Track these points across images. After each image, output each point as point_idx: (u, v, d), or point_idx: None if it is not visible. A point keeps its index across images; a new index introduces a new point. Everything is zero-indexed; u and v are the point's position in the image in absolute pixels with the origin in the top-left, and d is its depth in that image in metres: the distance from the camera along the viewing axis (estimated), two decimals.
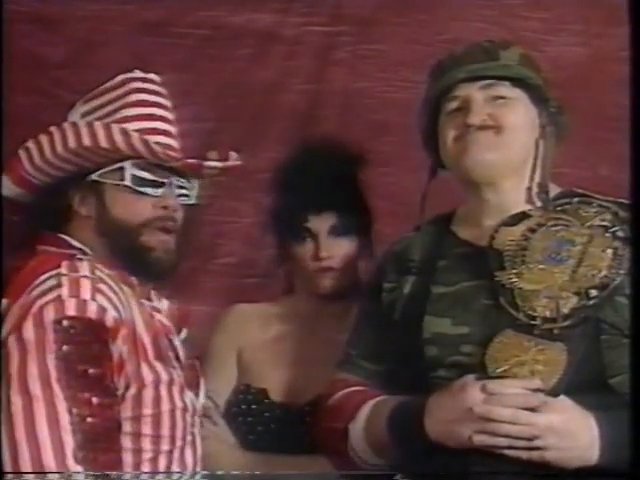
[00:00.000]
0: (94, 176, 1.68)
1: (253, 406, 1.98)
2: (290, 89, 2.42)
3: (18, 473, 1.49)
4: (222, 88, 2.40)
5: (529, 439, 1.53)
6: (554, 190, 1.76)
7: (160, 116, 1.72)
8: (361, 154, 2.05)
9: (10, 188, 1.71)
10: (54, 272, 1.59)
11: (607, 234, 1.66)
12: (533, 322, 1.61)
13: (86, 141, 1.64)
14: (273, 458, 1.94)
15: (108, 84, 1.73)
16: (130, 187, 1.67)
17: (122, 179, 1.67)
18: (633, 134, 1.62)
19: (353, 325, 1.84)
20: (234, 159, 1.74)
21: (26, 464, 1.48)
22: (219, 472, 1.83)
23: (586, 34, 2.41)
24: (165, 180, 1.70)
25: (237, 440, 1.97)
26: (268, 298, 2.14)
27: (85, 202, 1.69)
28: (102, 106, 1.71)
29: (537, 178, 1.75)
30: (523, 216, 1.71)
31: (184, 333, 1.77)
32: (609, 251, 1.64)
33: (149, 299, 1.72)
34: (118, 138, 1.64)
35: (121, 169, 1.67)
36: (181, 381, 1.66)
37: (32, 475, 1.49)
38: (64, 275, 1.59)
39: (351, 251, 2.02)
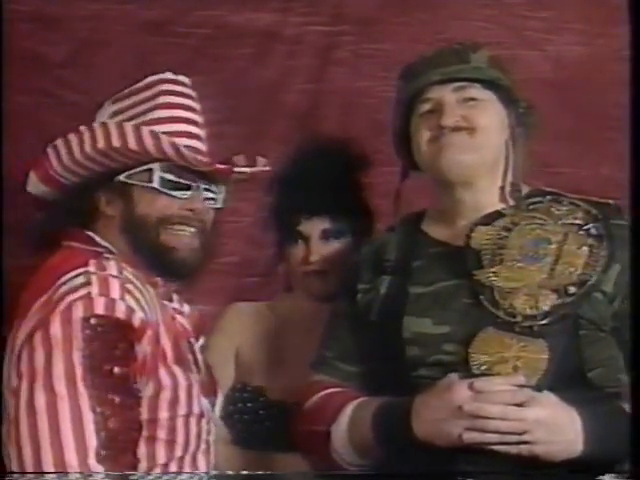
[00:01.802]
0: (122, 177, 1.68)
1: (249, 404, 1.99)
2: (291, 89, 2.42)
3: (23, 473, 1.48)
4: (223, 88, 2.40)
5: (519, 434, 1.56)
6: (524, 189, 1.79)
7: (190, 119, 1.72)
8: (361, 156, 2.05)
9: (36, 185, 1.72)
10: (82, 269, 1.58)
11: (581, 232, 1.70)
12: (513, 319, 1.65)
13: (115, 142, 1.63)
14: (268, 456, 1.94)
15: (138, 85, 1.72)
16: (157, 189, 1.67)
17: (150, 181, 1.67)
18: (633, 133, 1.61)
19: (326, 326, 1.85)
20: (262, 164, 1.75)
21: (48, 462, 1.48)
22: (228, 472, 1.82)
23: (587, 33, 2.41)
24: (193, 183, 1.69)
25: (233, 438, 1.97)
26: (268, 297, 2.15)
27: (112, 202, 1.69)
28: (132, 107, 1.70)
29: (510, 177, 1.78)
30: (497, 215, 1.75)
31: (202, 340, 1.77)
32: (584, 248, 1.68)
33: (171, 301, 1.72)
34: (148, 141, 1.63)
35: (149, 171, 1.67)
36: (198, 387, 1.66)
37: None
38: (93, 273, 1.58)
39: (344, 254, 2.01)
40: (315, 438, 1.72)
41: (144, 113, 1.69)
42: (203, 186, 1.71)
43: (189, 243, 1.68)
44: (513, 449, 1.56)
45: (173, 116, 1.69)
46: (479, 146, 1.74)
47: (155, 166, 1.67)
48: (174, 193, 1.68)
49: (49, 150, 1.68)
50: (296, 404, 1.92)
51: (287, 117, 2.41)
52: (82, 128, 1.66)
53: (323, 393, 1.76)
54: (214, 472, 1.69)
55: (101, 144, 1.64)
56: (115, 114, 1.70)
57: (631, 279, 1.64)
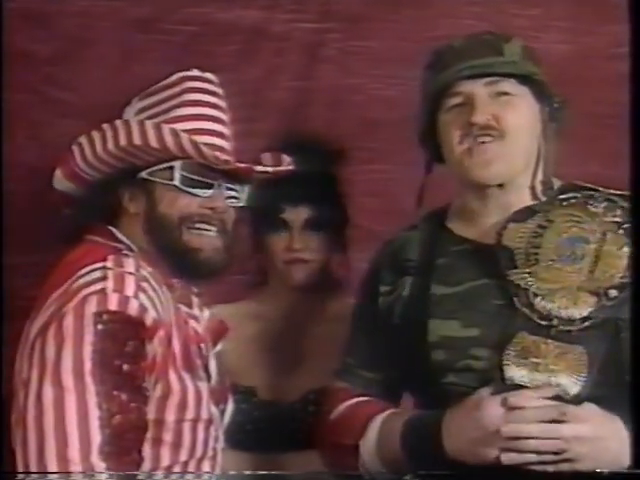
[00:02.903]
0: (144, 174, 1.68)
1: (242, 405, 1.98)
2: (279, 86, 2.42)
3: (26, 473, 1.48)
4: None
5: (558, 452, 1.49)
6: (556, 183, 1.73)
7: (214, 117, 1.72)
8: (342, 151, 2.05)
9: (61, 182, 1.73)
10: (100, 264, 1.59)
11: (620, 231, 1.62)
12: (550, 323, 1.57)
13: (137, 140, 1.64)
14: (263, 457, 1.94)
15: (165, 82, 1.72)
16: (178, 187, 1.67)
17: (171, 179, 1.67)
18: (632, 130, 1.60)
19: (349, 332, 1.79)
20: (287, 163, 1.75)
21: (51, 456, 1.47)
22: (231, 472, 1.81)
23: (574, 31, 2.42)
24: (214, 182, 1.69)
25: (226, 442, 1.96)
26: (246, 294, 2.13)
27: (134, 199, 1.69)
28: (157, 104, 1.70)
29: (540, 176, 1.71)
30: (530, 212, 1.67)
31: (220, 346, 1.76)
32: (625, 249, 1.60)
33: (189, 305, 1.71)
34: (168, 138, 1.63)
35: (171, 168, 1.67)
36: (208, 393, 1.65)
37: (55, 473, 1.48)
38: (110, 269, 1.58)
39: (325, 245, 2.02)
40: (343, 452, 1.67)
41: (169, 110, 1.69)
42: (225, 185, 1.70)
43: (212, 243, 1.68)
44: (553, 467, 1.49)
45: (197, 114, 1.69)
46: (510, 153, 1.67)
47: (176, 164, 1.67)
48: (195, 191, 1.68)
49: (73, 147, 1.69)
50: (289, 405, 1.93)
51: (275, 115, 2.41)
52: (105, 125, 1.67)
53: (349, 403, 1.71)
54: (218, 474, 1.69)
55: (123, 141, 1.64)
56: (141, 111, 1.71)
57: (632, 279, 1.57)
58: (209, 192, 1.69)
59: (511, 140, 1.67)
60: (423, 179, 1.78)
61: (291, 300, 2.05)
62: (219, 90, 1.75)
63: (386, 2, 2.41)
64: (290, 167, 1.78)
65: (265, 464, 1.92)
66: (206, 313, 1.76)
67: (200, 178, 1.68)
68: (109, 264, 1.59)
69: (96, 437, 1.48)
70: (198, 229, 1.68)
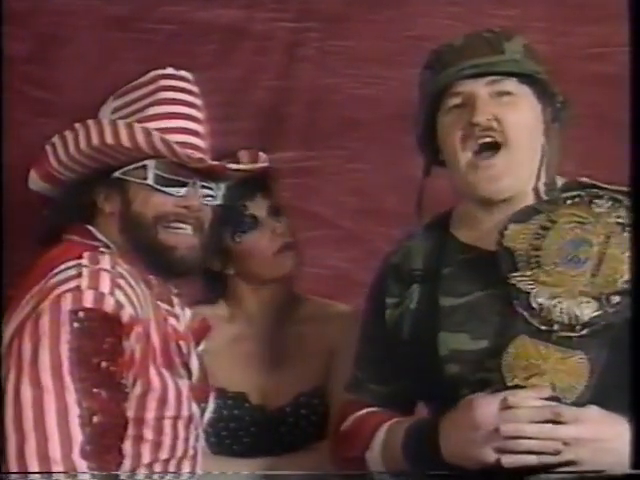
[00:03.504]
0: (117, 173, 1.67)
1: (235, 412, 1.97)
2: (258, 85, 2.42)
3: (15, 473, 1.47)
4: None
5: (558, 454, 1.46)
6: (559, 181, 1.67)
7: (188, 115, 1.71)
8: None
9: (36, 182, 1.72)
10: (75, 262, 1.58)
11: (624, 233, 1.56)
12: (550, 328, 1.53)
13: (109, 139, 1.63)
14: (256, 462, 1.93)
15: (140, 80, 1.72)
16: (152, 186, 1.67)
17: (145, 177, 1.67)
18: (633, 131, 1.55)
19: (358, 345, 1.76)
20: (262, 160, 1.74)
21: (32, 456, 1.46)
22: (214, 473, 1.80)
23: (550, 32, 2.43)
24: (189, 180, 1.68)
25: (217, 447, 1.93)
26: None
27: (109, 199, 1.69)
28: (132, 102, 1.70)
29: (543, 178, 1.66)
30: (532, 211, 1.62)
31: (202, 345, 1.75)
32: (629, 253, 1.54)
33: (169, 303, 1.71)
34: (140, 137, 1.63)
35: (144, 167, 1.67)
36: (188, 391, 1.64)
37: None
38: (85, 266, 1.57)
39: (291, 229, 2.01)
40: (352, 465, 1.65)
41: (143, 109, 1.69)
42: (200, 183, 1.70)
43: (187, 241, 1.67)
44: (555, 469, 1.46)
45: (171, 112, 1.69)
46: (515, 164, 1.62)
47: (149, 163, 1.67)
48: (169, 190, 1.67)
49: (47, 147, 1.69)
50: (280, 409, 1.93)
51: (254, 114, 2.41)
52: (77, 125, 1.67)
53: (356, 415, 1.69)
54: (200, 473, 1.68)
55: (95, 141, 1.64)
56: (116, 110, 1.70)
57: (632, 281, 1.52)
58: (183, 191, 1.68)
59: (514, 147, 1.62)
60: (421, 182, 1.72)
61: (264, 300, 2.03)
62: (194, 88, 1.75)
63: (365, 2, 2.41)
64: (265, 164, 1.77)
65: (260, 469, 1.90)
66: (188, 312, 1.75)
67: (174, 177, 1.68)
68: (84, 261, 1.59)
69: (77, 435, 1.48)
70: (174, 228, 1.67)
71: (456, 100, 1.64)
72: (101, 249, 1.64)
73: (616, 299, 1.53)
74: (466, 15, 2.38)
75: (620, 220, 1.58)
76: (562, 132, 1.70)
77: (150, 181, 1.67)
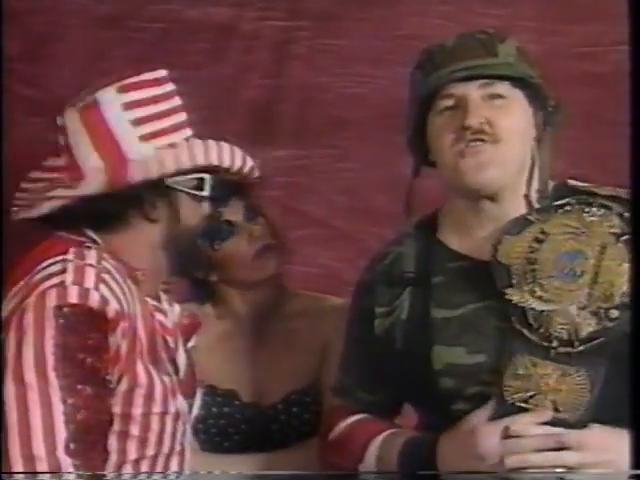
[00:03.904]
0: (170, 182, 1.63)
1: (225, 409, 1.96)
2: (248, 84, 2.42)
3: (5, 473, 1.46)
4: (179, 83, 2.39)
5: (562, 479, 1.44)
6: (549, 185, 1.64)
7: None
8: None
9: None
10: (60, 257, 1.56)
11: (619, 244, 1.53)
12: (549, 344, 1.50)
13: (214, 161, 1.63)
14: (246, 459, 1.93)
15: (145, 77, 1.65)
16: (207, 197, 1.66)
17: (201, 189, 1.65)
18: (633, 131, 1.53)
19: (343, 350, 1.74)
20: (250, 165, 1.72)
21: (16, 453, 1.45)
22: (201, 472, 1.79)
23: (540, 31, 2.43)
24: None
25: (206, 444, 1.93)
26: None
27: (156, 206, 1.64)
28: (146, 103, 1.64)
29: (536, 184, 1.63)
30: (525, 222, 1.58)
31: (192, 342, 1.75)
32: (625, 265, 1.51)
33: (157, 299, 1.70)
34: (238, 161, 1.66)
35: (202, 179, 1.65)
36: (175, 387, 1.63)
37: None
38: (70, 261, 1.56)
39: (270, 229, 2.00)
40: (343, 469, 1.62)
41: (168, 114, 1.64)
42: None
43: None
44: None
45: (188, 120, 1.68)
46: (503, 157, 1.59)
47: (206, 176, 1.66)
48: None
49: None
50: (271, 406, 1.93)
51: (244, 113, 2.41)
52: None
53: (347, 422, 1.67)
54: (188, 472, 1.67)
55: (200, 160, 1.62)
56: (128, 107, 1.63)
57: (632, 286, 1.50)
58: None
59: (505, 145, 1.59)
60: (410, 183, 1.69)
61: (253, 301, 2.03)
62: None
63: (356, 1, 2.42)
64: (254, 168, 1.76)
65: (251, 466, 1.90)
66: (177, 308, 1.75)
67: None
68: (69, 257, 1.57)
69: (61, 432, 1.46)
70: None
71: (448, 102, 1.61)
72: (87, 244, 1.63)
73: (615, 313, 1.50)
74: (457, 14, 2.38)
75: (613, 230, 1.55)
76: (554, 136, 1.67)
77: (206, 192, 1.65)
